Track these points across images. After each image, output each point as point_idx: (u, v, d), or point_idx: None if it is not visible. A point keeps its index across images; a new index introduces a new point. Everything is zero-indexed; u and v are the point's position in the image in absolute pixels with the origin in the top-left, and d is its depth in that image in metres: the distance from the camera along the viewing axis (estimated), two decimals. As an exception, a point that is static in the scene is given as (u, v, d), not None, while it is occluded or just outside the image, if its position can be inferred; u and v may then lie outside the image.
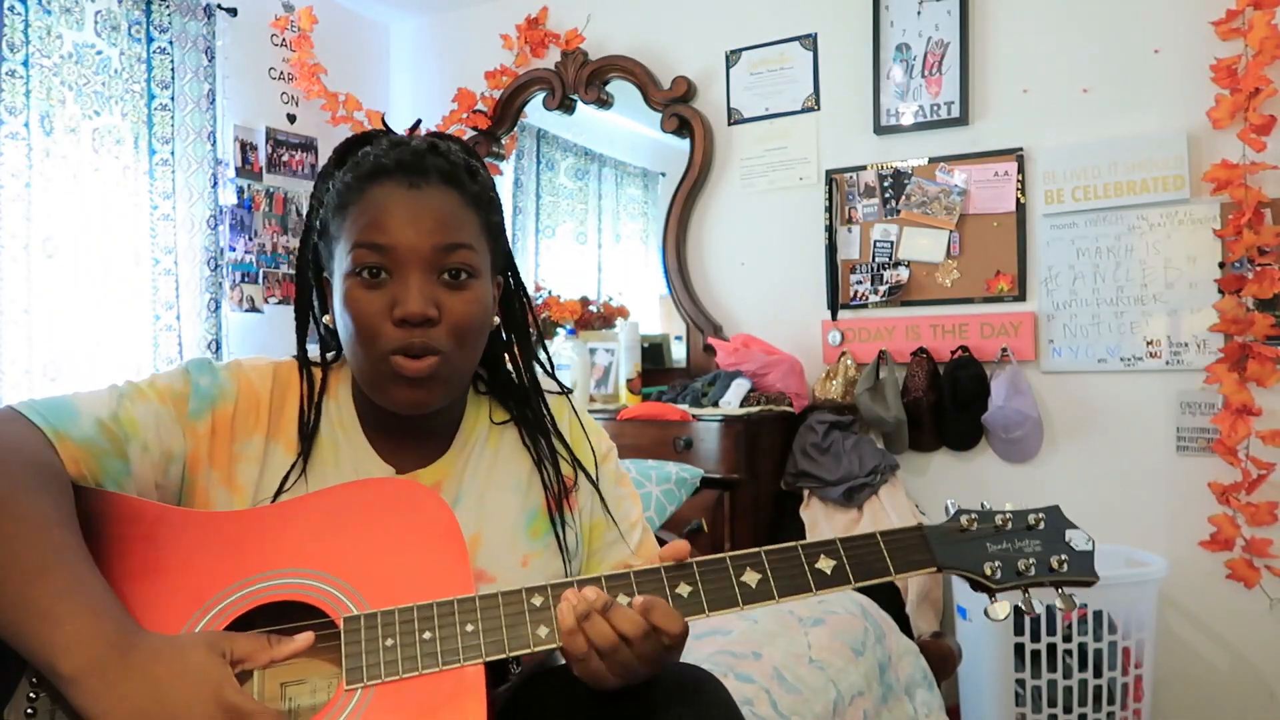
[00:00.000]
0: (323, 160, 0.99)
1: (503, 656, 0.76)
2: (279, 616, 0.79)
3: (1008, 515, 0.86)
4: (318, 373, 0.95)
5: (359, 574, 0.80)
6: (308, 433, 0.91)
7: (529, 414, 0.99)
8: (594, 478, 1.01)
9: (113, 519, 0.80)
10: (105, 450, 0.82)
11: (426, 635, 0.76)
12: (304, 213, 0.97)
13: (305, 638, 0.75)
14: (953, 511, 0.87)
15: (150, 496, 0.85)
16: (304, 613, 0.79)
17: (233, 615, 0.78)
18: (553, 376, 1.01)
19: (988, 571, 0.83)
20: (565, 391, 1.03)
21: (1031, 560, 0.83)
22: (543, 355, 1.02)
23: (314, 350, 0.98)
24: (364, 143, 0.94)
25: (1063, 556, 0.83)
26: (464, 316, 0.87)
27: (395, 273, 0.85)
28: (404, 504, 0.83)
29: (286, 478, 0.89)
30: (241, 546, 0.81)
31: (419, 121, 1.01)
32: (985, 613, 0.84)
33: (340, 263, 0.88)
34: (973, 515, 0.86)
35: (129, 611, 0.73)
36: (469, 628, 0.77)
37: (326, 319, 0.94)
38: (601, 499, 1.00)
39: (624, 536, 1.01)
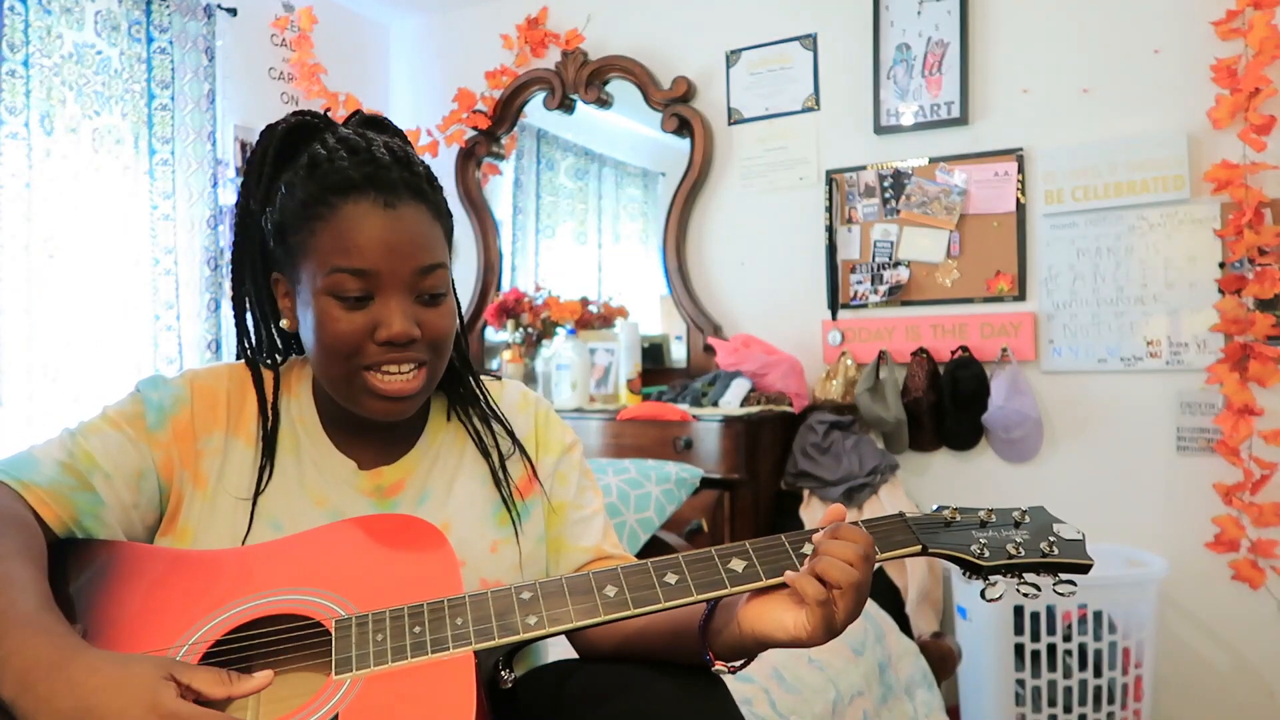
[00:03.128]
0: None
1: (492, 644, 0.76)
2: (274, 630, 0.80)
3: (991, 510, 0.87)
4: (269, 374, 0.96)
5: (352, 588, 0.81)
6: (269, 433, 0.93)
7: (461, 390, 1.01)
8: (532, 456, 1.03)
9: (104, 564, 0.83)
10: (72, 486, 0.84)
11: (416, 629, 0.77)
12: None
13: (264, 675, 0.73)
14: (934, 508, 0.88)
15: (129, 517, 0.88)
16: (298, 626, 0.79)
17: (226, 628, 0.78)
18: (470, 363, 1.03)
19: (975, 551, 0.83)
20: (480, 377, 1.05)
21: (1020, 544, 0.83)
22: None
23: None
24: (304, 133, 0.92)
25: (1051, 539, 0.84)
26: (442, 331, 0.90)
27: (377, 296, 0.86)
28: (396, 531, 0.86)
29: (260, 477, 0.91)
30: (236, 572, 0.83)
31: (357, 112, 0.99)
32: (982, 594, 0.84)
33: (311, 279, 0.87)
34: (955, 509, 0.87)
35: (113, 642, 0.75)
36: (459, 621, 0.77)
37: (284, 323, 0.94)
38: (535, 472, 1.02)
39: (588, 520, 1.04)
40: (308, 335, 0.89)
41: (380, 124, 0.96)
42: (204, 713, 0.67)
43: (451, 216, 0.96)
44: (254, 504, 0.90)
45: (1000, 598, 0.83)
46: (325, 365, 0.89)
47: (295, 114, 0.94)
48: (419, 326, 0.87)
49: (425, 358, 0.89)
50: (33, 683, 0.66)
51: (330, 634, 0.77)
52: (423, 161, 0.93)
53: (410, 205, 0.87)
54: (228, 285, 2.78)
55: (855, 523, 0.84)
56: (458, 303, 1.01)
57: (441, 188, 0.95)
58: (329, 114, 0.97)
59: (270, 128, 0.93)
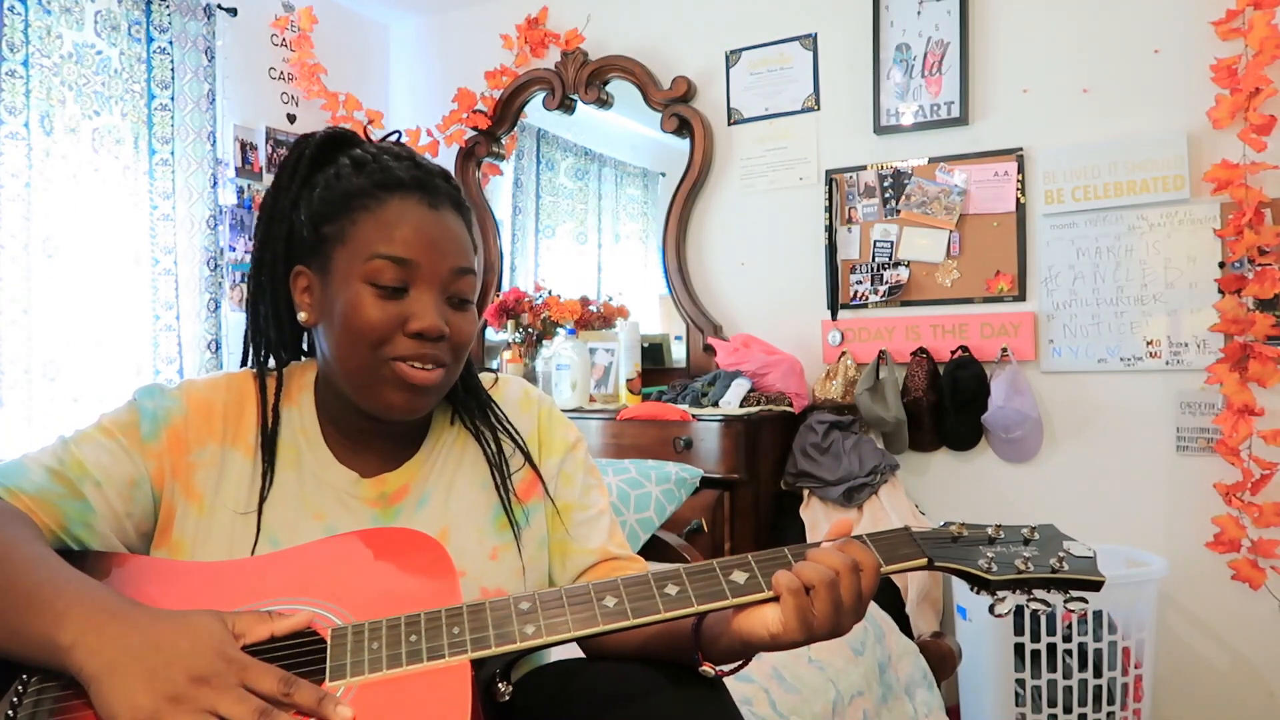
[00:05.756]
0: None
1: (488, 652, 0.76)
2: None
3: (999, 526, 0.86)
4: (271, 379, 0.96)
5: (350, 599, 0.81)
6: (270, 440, 0.93)
7: (465, 395, 1.01)
8: (534, 458, 1.03)
9: (101, 576, 0.83)
10: (61, 494, 0.84)
11: (413, 638, 0.76)
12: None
13: (304, 614, 0.77)
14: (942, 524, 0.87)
15: (122, 526, 0.88)
16: (295, 635, 0.79)
17: None
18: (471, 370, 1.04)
19: (982, 565, 0.81)
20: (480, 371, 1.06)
21: (1029, 559, 0.82)
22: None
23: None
24: (339, 142, 0.95)
25: (1060, 556, 0.82)
26: (465, 336, 0.92)
27: (412, 288, 0.88)
28: (395, 543, 0.86)
29: (263, 484, 0.91)
30: (233, 583, 0.83)
31: (398, 132, 1.03)
32: (991, 610, 0.82)
33: (347, 266, 0.88)
34: (962, 525, 0.85)
35: None
36: (455, 630, 0.77)
37: (303, 316, 0.94)
38: (538, 475, 1.02)
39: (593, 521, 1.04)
40: (333, 324, 0.89)
41: (411, 149, 0.99)
42: (266, 666, 0.70)
43: (478, 240, 0.98)
44: (259, 515, 0.90)
45: (1008, 614, 0.81)
46: (347, 354, 0.88)
47: (332, 126, 0.98)
48: (447, 326, 0.89)
49: (446, 359, 0.90)
50: (100, 625, 0.68)
51: (326, 643, 0.77)
52: (459, 184, 0.97)
53: (451, 213, 0.92)
54: (228, 286, 2.81)
55: (859, 536, 0.83)
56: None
57: (472, 210, 0.98)
58: (365, 131, 1.01)
59: (306, 136, 0.96)
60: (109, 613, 0.69)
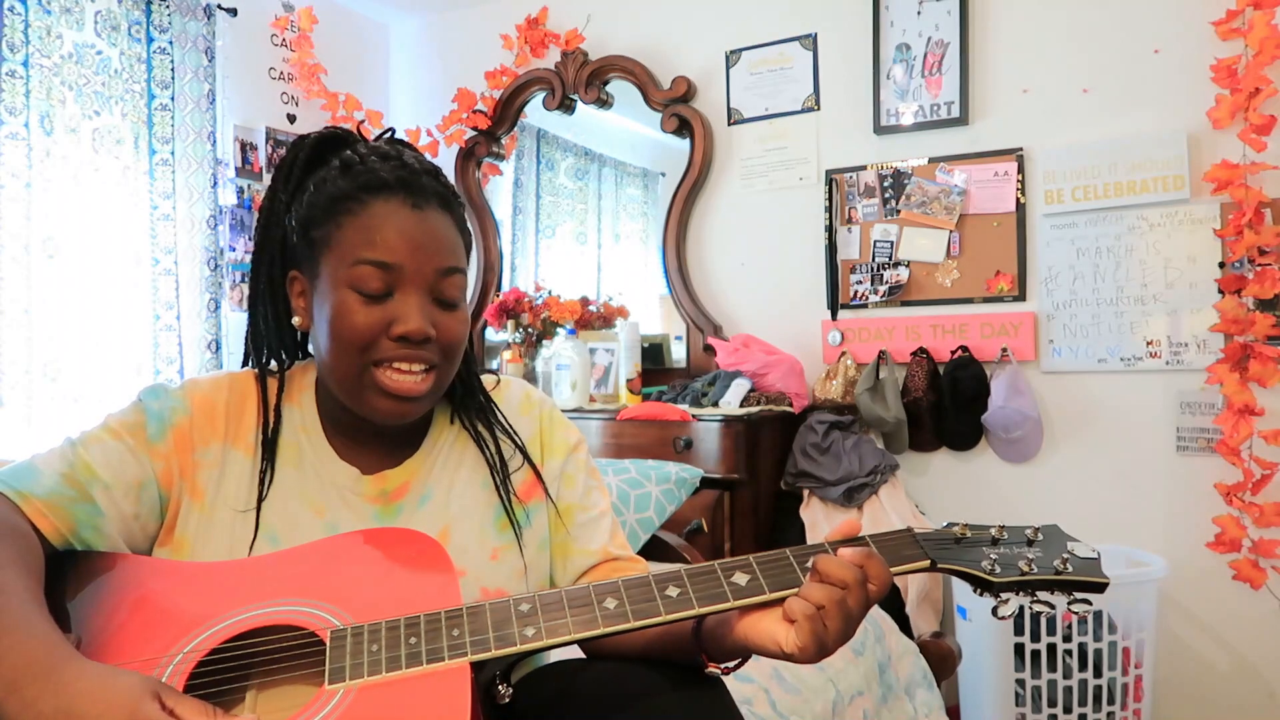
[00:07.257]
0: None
1: (488, 655, 0.75)
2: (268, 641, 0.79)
3: (1003, 527, 0.85)
4: (272, 380, 0.96)
5: (349, 601, 0.80)
6: (270, 439, 0.93)
7: (465, 395, 1.01)
8: (536, 460, 1.02)
9: (100, 576, 0.83)
10: (72, 498, 0.84)
11: (412, 640, 0.76)
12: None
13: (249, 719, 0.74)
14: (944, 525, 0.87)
15: (129, 528, 0.88)
16: (294, 637, 0.79)
17: (222, 638, 0.78)
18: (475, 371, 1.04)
19: (985, 567, 0.81)
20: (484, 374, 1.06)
21: (1033, 560, 0.81)
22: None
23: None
24: (336, 144, 0.95)
25: (1065, 557, 0.82)
26: (455, 336, 0.91)
27: (396, 291, 0.88)
28: (395, 544, 0.85)
29: (262, 483, 0.91)
30: (232, 584, 0.83)
31: (391, 130, 1.02)
32: (994, 611, 0.81)
33: (333, 271, 0.88)
34: (965, 526, 0.85)
35: (107, 651, 0.75)
36: (455, 632, 0.76)
37: (297, 321, 0.95)
38: (539, 477, 1.02)
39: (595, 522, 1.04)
40: (321, 330, 0.89)
41: (406, 144, 0.99)
42: None
43: (471, 235, 0.97)
44: (258, 513, 0.90)
45: (1012, 615, 0.81)
46: (336, 360, 0.89)
47: (327, 127, 0.97)
48: (434, 328, 0.88)
49: (436, 360, 0.90)
50: (20, 686, 0.67)
51: (325, 645, 0.77)
52: (450, 181, 0.96)
53: (437, 211, 0.91)
54: (228, 286, 2.81)
55: (862, 537, 0.83)
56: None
57: (465, 205, 0.96)
58: (360, 129, 1.00)
59: (302, 137, 0.96)
60: (34, 671, 0.68)
